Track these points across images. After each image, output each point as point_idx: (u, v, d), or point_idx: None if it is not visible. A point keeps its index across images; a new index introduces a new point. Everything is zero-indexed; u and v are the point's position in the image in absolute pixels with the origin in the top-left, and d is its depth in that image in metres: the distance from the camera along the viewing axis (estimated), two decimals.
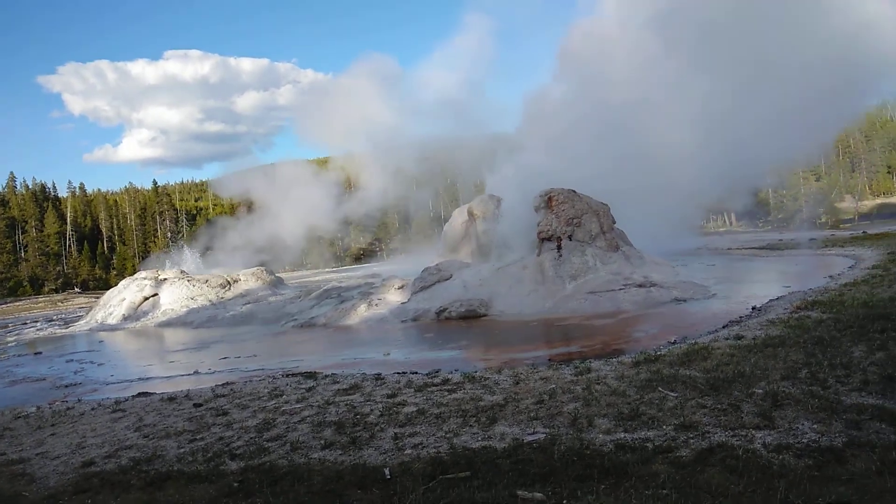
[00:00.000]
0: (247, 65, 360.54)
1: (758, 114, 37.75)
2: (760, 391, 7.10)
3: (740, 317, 13.73)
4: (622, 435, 6.25)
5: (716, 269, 25.16)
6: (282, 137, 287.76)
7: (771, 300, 15.27)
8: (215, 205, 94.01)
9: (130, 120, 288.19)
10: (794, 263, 25.60)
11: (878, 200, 70.17)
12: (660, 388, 7.69)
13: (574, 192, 22.37)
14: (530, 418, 7.16)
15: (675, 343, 11.45)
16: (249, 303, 27.23)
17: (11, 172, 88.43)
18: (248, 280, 30.62)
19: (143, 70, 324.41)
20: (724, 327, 12.53)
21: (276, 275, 33.38)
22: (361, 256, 69.04)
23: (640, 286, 19.19)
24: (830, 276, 18.93)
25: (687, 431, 6.12)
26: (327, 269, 54.52)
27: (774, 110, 37.81)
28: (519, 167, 31.11)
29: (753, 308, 14.62)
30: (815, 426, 5.93)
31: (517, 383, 8.96)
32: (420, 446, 6.60)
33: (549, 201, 22.03)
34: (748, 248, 34.42)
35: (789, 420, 6.16)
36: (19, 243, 68.32)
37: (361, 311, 21.52)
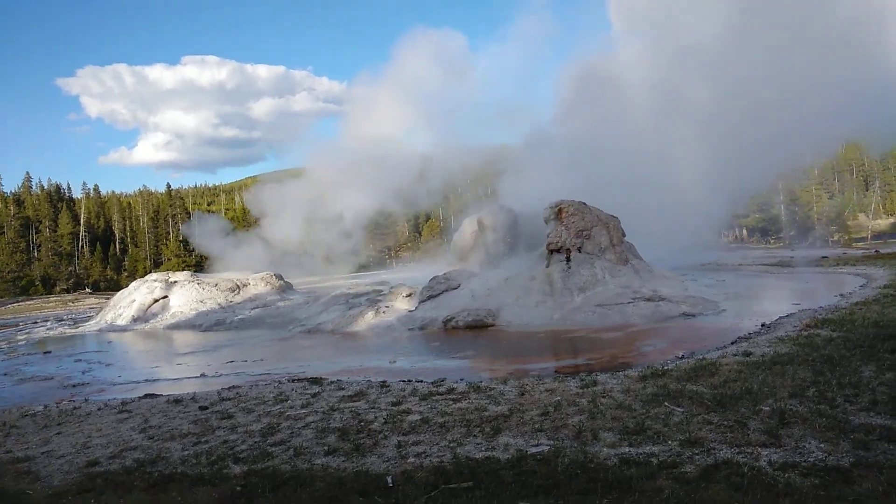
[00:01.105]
0: (263, 71, 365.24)
1: (769, 130, 37.70)
2: (767, 409, 7.05)
3: (749, 333, 13.63)
4: (627, 449, 6.22)
5: (725, 284, 25.01)
6: (296, 144, 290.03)
7: (780, 317, 15.17)
8: (227, 209, 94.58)
9: (146, 123, 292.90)
10: (804, 281, 25.44)
11: (892, 219, 69.62)
12: (666, 403, 7.64)
13: (584, 204, 22.36)
14: (535, 430, 7.13)
15: (682, 358, 11.39)
16: (258, 307, 27.32)
17: (27, 173, 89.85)
18: (258, 284, 30.71)
19: (160, 74, 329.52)
20: (732, 343, 12.44)
21: (286, 280, 33.47)
22: (370, 263, 69.02)
23: (648, 300, 19.12)
24: (841, 295, 18.79)
25: (692, 447, 6.09)
26: (336, 276, 54.61)
27: (785, 126, 37.79)
28: (530, 178, 31.13)
29: (762, 325, 14.53)
30: (822, 445, 5.88)
31: (522, 394, 8.93)
32: (423, 455, 6.59)
33: (559, 213, 22.02)
34: (759, 265, 34.22)
35: (796, 438, 6.11)
36: (33, 243, 68.92)
37: (369, 318, 21.54)
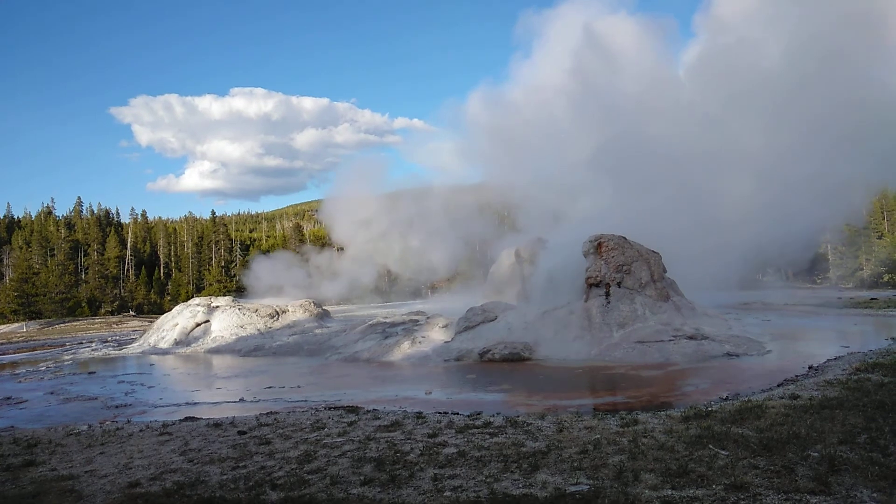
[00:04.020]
0: (308, 103, 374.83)
1: (817, 169, 37.02)
2: (816, 454, 6.81)
3: (796, 375, 13.26)
4: (669, 492, 6.05)
5: (771, 324, 24.38)
6: (336, 174, 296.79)
7: (828, 360, 14.74)
8: (268, 236, 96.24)
9: (194, 152, 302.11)
10: (852, 323, 24.62)
11: None
12: (710, 446, 7.44)
13: (625, 238, 22.15)
14: (573, 468, 7.00)
15: (726, 399, 11.10)
16: (296, 334, 27.60)
17: (79, 197, 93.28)
18: (296, 311, 31.09)
19: (209, 105, 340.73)
20: (778, 385, 12.11)
21: (323, 307, 33.83)
22: (406, 293, 69.09)
23: (690, 338, 18.73)
24: (893, 339, 18.17)
25: (737, 492, 5.90)
26: (372, 304, 54.94)
27: (832, 166, 37.09)
28: (570, 212, 31.03)
29: (810, 367, 14.10)
30: (874, 495, 5.65)
31: (560, 431, 8.80)
32: (460, 489, 6.53)
33: (598, 247, 21.84)
34: (805, 305, 33.29)
35: (847, 487, 5.88)
36: (81, 265, 71.01)
37: (405, 348, 21.56)
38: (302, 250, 62.68)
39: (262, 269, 49.17)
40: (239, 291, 54.62)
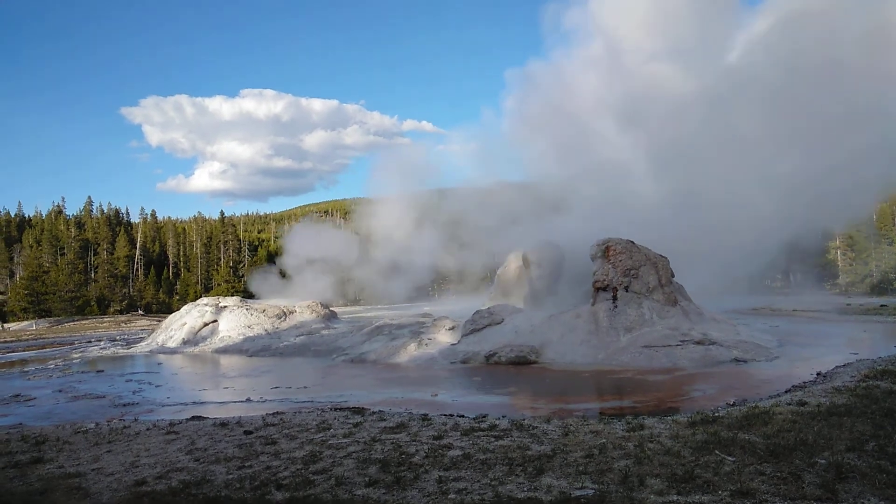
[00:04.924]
0: (317, 105, 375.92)
1: (827, 174, 36.72)
2: (823, 461, 6.76)
3: (804, 382, 13.16)
4: (675, 497, 6.03)
5: (779, 330, 24.20)
6: (345, 175, 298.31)
7: (837, 367, 14.60)
8: (277, 237, 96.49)
9: (204, 153, 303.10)
10: (862, 329, 24.42)
11: None
12: (716, 451, 7.40)
13: (632, 242, 22.08)
14: (579, 472, 6.98)
15: (733, 405, 11.05)
16: (303, 334, 27.68)
17: (89, 197, 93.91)
18: (304, 312, 31.18)
19: (219, 106, 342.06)
20: (786, 392, 12.03)
21: (330, 308, 33.91)
22: (415, 295, 69.11)
23: (698, 343, 18.64)
24: None
25: (744, 498, 5.87)
26: (379, 306, 55.02)
27: (844, 171, 36.73)
28: (576, 216, 30.96)
29: (818, 374, 14.00)
30: (882, 503, 5.60)
31: (566, 434, 8.78)
32: (464, 492, 6.52)
33: (606, 251, 21.78)
34: (814, 311, 33.04)
35: (854, 495, 5.83)
36: (90, 264, 71.46)
37: (411, 350, 21.58)
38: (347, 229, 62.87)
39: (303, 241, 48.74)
40: (246, 292, 54.75)
